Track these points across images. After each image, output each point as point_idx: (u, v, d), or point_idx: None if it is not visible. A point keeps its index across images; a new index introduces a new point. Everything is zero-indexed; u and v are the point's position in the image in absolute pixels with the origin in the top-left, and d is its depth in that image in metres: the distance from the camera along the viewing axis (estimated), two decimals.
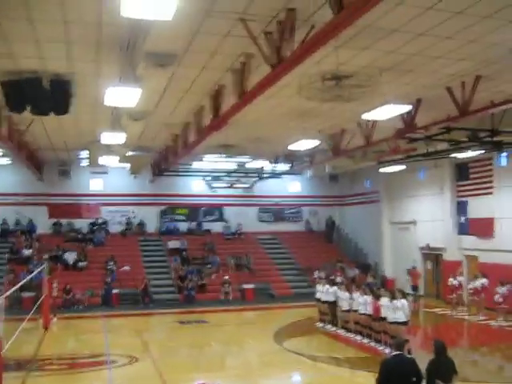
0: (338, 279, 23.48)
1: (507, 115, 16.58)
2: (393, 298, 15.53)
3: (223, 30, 10.43)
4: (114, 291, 25.84)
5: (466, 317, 21.82)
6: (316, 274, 26.27)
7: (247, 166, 27.13)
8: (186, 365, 15.02)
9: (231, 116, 14.12)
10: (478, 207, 24.49)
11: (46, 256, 26.65)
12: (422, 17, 9.82)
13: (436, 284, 27.26)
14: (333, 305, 19.17)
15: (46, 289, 20.63)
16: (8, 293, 14.81)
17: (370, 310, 16.71)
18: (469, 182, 25.20)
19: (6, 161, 25.07)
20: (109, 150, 20.49)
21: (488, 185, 23.94)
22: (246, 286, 27.84)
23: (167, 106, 16.27)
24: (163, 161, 25.49)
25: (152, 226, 32.26)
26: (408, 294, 20.59)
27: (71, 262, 27.83)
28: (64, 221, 30.54)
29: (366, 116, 15.35)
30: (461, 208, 25.65)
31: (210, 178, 31.43)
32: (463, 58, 12.24)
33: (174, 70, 12.51)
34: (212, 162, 25.78)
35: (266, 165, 27.54)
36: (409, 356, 8.53)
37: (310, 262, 29.67)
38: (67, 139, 22.06)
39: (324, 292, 19.67)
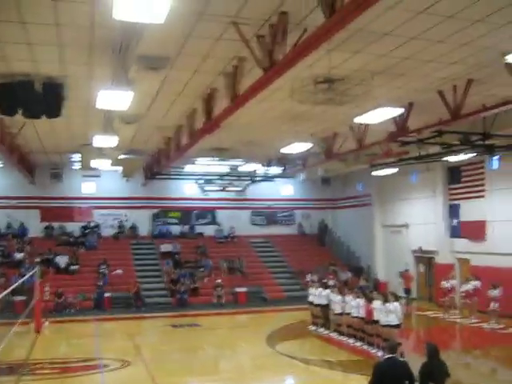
0: (331, 282, 23.43)
1: (499, 119, 16.66)
2: (385, 300, 15.54)
3: (215, 33, 10.43)
4: (106, 295, 25.75)
5: (459, 320, 21.86)
6: (308, 277, 26.23)
7: (240, 169, 27.14)
8: (178, 368, 14.97)
9: (224, 119, 14.11)
10: (470, 210, 24.59)
11: (37, 259, 26.49)
12: (414, 21, 9.86)
13: (428, 287, 27.33)
14: (325, 308, 19.17)
15: (38, 292, 20.50)
16: None
17: (362, 313, 16.71)
18: (461, 185, 25.31)
19: None
20: (101, 153, 20.42)
21: (480, 188, 24.05)
22: (238, 290, 27.80)
23: (160, 109, 16.25)
24: (155, 164, 25.44)
25: (144, 229, 32.17)
26: (400, 296, 20.61)
27: (63, 266, 27.70)
28: (56, 224, 30.41)
29: (359, 119, 15.42)
30: (453, 211, 25.75)
31: (202, 181, 31.40)
32: (455, 62, 12.29)
33: (167, 73, 12.49)
34: (204, 165, 25.79)
35: (258, 168, 27.57)
36: (401, 359, 8.53)
37: (303, 265, 29.66)
38: (59, 142, 21.97)
39: (317, 295, 19.66)
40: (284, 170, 27.22)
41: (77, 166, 27.09)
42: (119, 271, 27.87)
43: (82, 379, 13.89)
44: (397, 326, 15.02)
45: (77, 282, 26.59)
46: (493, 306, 20.06)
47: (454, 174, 25.66)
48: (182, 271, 28.57)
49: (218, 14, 9.51)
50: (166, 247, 30.57)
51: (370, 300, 16.51)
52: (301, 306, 22.56)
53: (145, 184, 30.55)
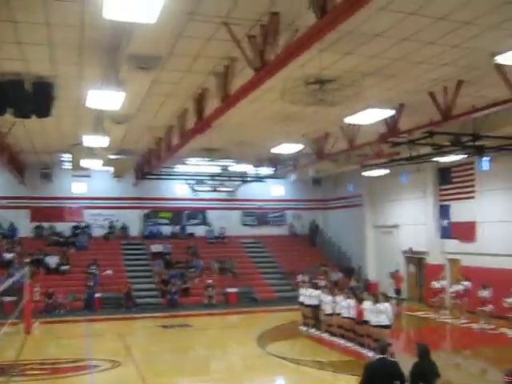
0: (322, 283, 23.42)
1: (489, 120, 16.72)
2: (376, 301, 15.58)
3: (207, 33, 10.41)
4: (97, 295, 25.67)
5: (449, 320, 21.95)
6: (299, 278, 26.24)
7: (230, 169, 27.11)
8: (169, 369, 14.93)
9: (215, 119, 14.10)
10: (461, 211, 24.69)
11: (27, 260, 26.40)
12: (405, 22, 9.89)
13: (419, 287, 27.41)
14: (316, 308, 19.18)
15: (28, 293, 20.40)
16: None
17: (353, 314, 16.74)
18: (451, 186, 25.41)
19: None
20: (91, 153, 20.35)
21: (470, 189, 24.15)
22: (229, 290, 27.79)
23: (150, 109, 16.20)
24: (146, 164, 25.37)
25: (135, 229, 32.09)
26: (391, 297, 20.69)
27: (53, 266, 27.57)
28: (46, 224, 30.26)
29: (349, 120, 15.42)
30: (443, 212, 25.85)
31: (193, 181, 31.33)
32: (446, 63, 12.33)
33: (157, 73, 12.46)
34: (195, 165, 25.74)
35: (249, 168, 27.55)
36: (392, 359, 8.54)
37: (294, 266, 29.69)
38: (49, 142, 21.86)
39: (307, 296, 19.68)
40: (275, 170, 27.23)
41: (67, 166, 26.94)
42: (109, 272, 27.77)
43: (73, 380, 13.81)
44: (387, 327, 15.05)
45: (67, 283, 26.47)
46: (485, 307, 20.12)
47: (445, 174, 25.76)
48: (173, 272, 28.53)
49: (209, 14, 9.50)
50: (156, 247, 30.48)
51: (360, 300, 16.55)
52: (292, 307, 22.55)
53: (135, 184, 30.44)
